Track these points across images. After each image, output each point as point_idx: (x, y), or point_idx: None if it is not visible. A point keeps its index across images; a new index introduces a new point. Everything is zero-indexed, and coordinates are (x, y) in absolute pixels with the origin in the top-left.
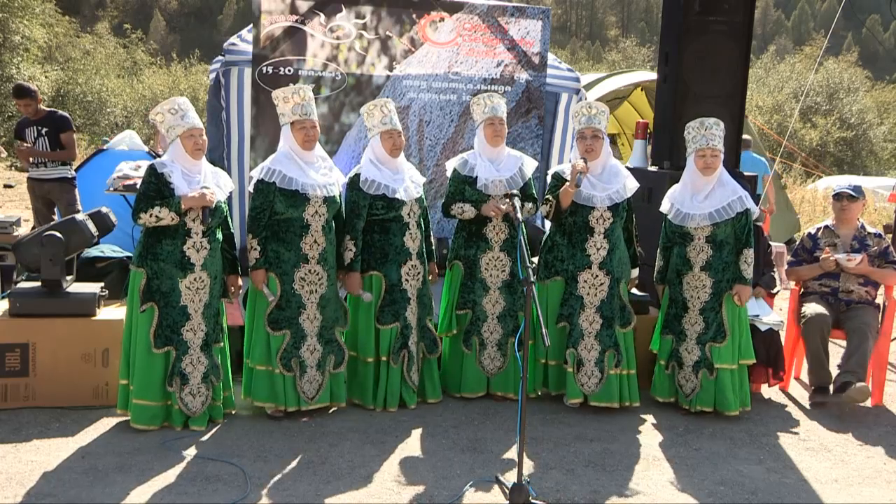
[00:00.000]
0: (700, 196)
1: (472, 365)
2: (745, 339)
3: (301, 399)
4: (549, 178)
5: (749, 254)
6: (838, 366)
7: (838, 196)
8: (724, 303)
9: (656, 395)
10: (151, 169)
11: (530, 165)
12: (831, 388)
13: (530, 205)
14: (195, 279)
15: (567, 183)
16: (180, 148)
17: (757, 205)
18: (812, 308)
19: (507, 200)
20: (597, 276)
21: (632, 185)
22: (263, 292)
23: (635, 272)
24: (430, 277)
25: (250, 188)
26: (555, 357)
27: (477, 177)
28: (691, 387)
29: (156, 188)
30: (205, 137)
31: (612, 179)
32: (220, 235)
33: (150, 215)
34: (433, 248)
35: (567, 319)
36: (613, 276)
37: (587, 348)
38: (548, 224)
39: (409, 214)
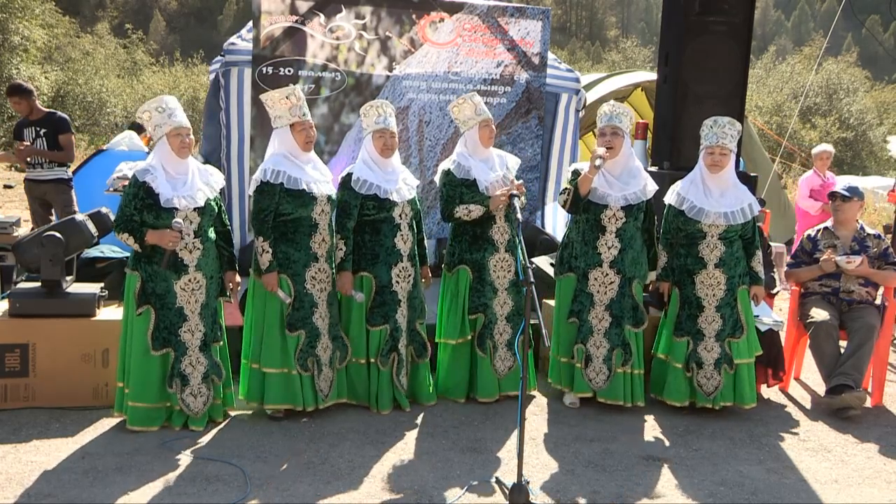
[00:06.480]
0: (715, 194)
1: (487, 368)
2: (753, 333)
3: (318, 397)
4: (568, 174)
5: (760, 254)
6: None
7: (832, 196)
8: (739, 298)
9: (671, 400)
10: (134, 179)
11: (514, 163)
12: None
13: (522, 198)
14: (190, 280)
15: (587, 170)
16: (166, 146)
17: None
18: (818, 312)
19: (505, 186)
20: (607, 274)
21: (651, 188)
22: (279, 295)
23: (653, 275)
24: (423, 281)
25: (250, 191)
26: (564, 353)
27: (475, 179)
28: (714, 384)
29: (136, 200)
30: (192, 136)
31: (630, 181)
32: (212, 234)
33: (122, 238)
34: (426, 251)
35: (577, 315)
36: (625, 276)
37: (595, 345)
38: (558, 222)
39: (400, 216)
